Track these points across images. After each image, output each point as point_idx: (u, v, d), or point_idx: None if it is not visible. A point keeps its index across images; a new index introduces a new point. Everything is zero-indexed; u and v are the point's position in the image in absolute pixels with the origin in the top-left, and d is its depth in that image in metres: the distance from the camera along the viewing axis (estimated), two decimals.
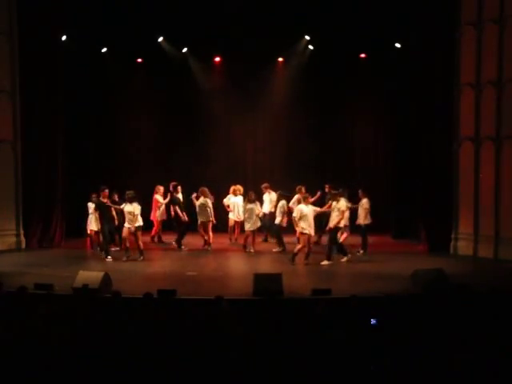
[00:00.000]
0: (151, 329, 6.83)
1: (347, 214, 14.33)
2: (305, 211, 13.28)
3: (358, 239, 15.32)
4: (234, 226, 16.64)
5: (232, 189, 16.31)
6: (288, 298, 9.97)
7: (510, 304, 8.17)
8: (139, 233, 13.92)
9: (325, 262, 13.52)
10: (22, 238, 15.89)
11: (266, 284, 10.36)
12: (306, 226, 13.20)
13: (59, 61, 16.33)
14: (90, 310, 7.84)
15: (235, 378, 5.93)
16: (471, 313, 7.72)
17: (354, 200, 15.14)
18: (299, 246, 13.49)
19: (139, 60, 19.27)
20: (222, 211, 16.68)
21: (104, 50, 18.21)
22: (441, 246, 15.20)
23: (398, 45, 17.36)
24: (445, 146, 15.36)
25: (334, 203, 13.71)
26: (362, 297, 8.86)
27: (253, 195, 15.18)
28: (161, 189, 16.27)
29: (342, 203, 13.71)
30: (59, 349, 6.25)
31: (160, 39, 18.10)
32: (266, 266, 13.56)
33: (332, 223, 13.63)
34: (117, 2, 16.53)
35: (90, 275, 10.66)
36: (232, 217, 16.35)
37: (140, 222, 13.89)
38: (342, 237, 14.47)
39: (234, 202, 16.21)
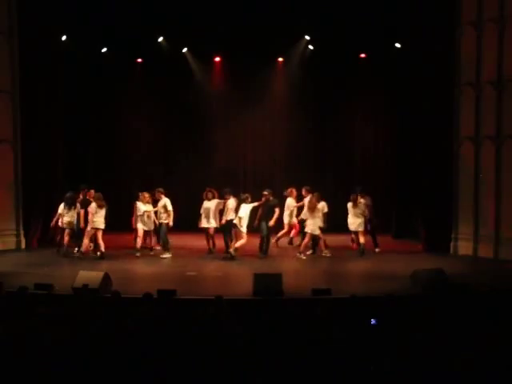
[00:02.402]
0: (151, 329, 6.83)
1: (295, 211, 15.47)
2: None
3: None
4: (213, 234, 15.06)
5: (208, 193, 14.85)
6: (288, 297, 9.97)
7: (510, 304, 8.17)
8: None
9: (377, 250, 15.29)
10: (22, 238, 15.89)
11: (266, 284, 10.37)
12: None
13: (59, 61, 16.33)
14: (90, 310, 7.84)
15: (235, 378, 5.92)
16: (471, 313, 7.72)
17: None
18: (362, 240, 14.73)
19: (139, 60, 19.29)
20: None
21: (104, 50, 18.21)
22: (441, 246, 15.20)
23: (398, 45, 17.36)
24: (445, 145, 15.36)
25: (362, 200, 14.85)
26: (361, 297, 8.86)
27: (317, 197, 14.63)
28: (146, 196, 14.76)
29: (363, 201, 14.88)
30: (59, 349, 6.25)
31: (160, 39, 18.10)
32: (265, 266, 13.55)
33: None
34: (117, 2, 16.53)
35: (90, 275, 10.65)
36: (213, 225, 14.81)
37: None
38: (292, 233, 15.75)
39: (207, 207, 14.77)
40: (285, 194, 15.64)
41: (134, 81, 19.20)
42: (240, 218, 14.01)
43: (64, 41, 16.64)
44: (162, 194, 14.79)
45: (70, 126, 17.29)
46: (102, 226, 14.09)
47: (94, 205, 14.09)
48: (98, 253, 14.18)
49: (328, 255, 14.69)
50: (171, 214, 14.53)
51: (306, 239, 14.44)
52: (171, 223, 14.60)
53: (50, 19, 15.75)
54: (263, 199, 14.57)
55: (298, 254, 14.43)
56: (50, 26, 15.82)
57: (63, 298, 9.71)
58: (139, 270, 13.13)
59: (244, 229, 14.03)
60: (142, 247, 14.75)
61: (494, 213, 14.57)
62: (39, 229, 16.08)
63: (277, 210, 14.57)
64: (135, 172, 19.23)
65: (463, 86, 15.04)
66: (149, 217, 14.65)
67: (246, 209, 14.11)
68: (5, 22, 15.47)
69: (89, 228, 14.07)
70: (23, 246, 15.87)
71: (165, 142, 19.81)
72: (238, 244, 14.11)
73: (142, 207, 14.58)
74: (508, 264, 13.61)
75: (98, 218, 14.05)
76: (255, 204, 14.41)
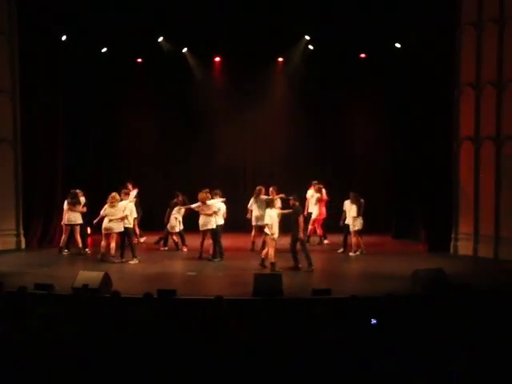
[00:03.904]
0: (151, 329, 6.83)
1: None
2: None
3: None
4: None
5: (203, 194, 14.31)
6: (288, 297, 9.98)
7: (510, 304, 8.17)
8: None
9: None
10: (22, 238, 15.88)
11: (266, 284, 10.38)
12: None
13: (59, 61, 16.33)
14: (90, 310, 7.84)
15: (235, 378, 5.92)
16: (471, 313, 7.72)
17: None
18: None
19: (139, 60, 19.28)
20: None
21: (104, 50, 18.20)
22: (441, 246, 15.20)
23: (398, 45, 17.35)
24: (445, 145, 15.36)
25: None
26: (361, 297, 8.86)
27: None
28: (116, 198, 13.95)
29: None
30: (59, 349, 6.25)
31: (160, 39, 18.09)
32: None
33: None
34: (117, 2, 16.53)
35: (90, 275, 10.67)
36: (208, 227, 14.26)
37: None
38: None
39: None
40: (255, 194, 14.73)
41: (133, 81, 19.19)
42: (267, 225, 12.70)
43: (64, 41, 16.64)
44: (127, 195, 14.16)
45: (70, 126, 17.27)
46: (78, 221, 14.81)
47: (66, 202, 14.76)
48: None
49: (353, 254, 14.72)
50: (129, 217, 13.77)
51: (359, 238, 14.80)
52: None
53: (50, 19, 15.76)
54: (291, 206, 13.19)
55: (351, 254, 14.74)
56: (49, 26, 15.83)
57: (63, 297, 9.72)
58: (139, 270, 13.11)
59: (275, 235, 12.74)
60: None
61: (493, 213, 14.57)
62: (39, 229, 16.09)
63: (300, 219, 12.87)
64: (135, 172, 19.20)
65: (463, 86, 15.03)
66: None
67: (271, 213, 12.83)
68: (5, 21, 15.47)
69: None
70: (23, 245, 15.86)
71: (165, 141, 19.78)
72: (265, 253, 13.01)
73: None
74: (508, 264, 13.61)
75: (70, 214, 14.70)
76: (284, 211, 13.68)
